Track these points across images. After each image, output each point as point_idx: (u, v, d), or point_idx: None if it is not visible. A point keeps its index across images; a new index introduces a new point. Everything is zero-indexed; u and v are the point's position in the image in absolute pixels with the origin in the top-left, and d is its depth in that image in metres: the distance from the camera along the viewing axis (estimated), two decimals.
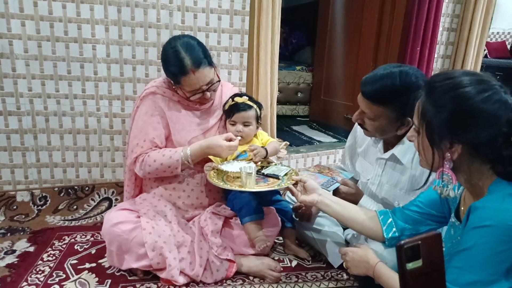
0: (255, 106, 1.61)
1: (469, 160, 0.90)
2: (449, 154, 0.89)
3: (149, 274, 1.43)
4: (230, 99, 1.61)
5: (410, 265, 0.64)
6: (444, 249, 1.03)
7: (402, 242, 0.63)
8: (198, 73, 1.44)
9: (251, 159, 1.55)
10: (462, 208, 1.01)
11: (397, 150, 1.37)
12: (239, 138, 1.51)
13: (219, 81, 1.56)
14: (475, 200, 0.92)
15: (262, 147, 1.59)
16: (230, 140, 1.46)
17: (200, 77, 1.45)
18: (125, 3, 1.86)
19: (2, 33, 1.77)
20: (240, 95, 1.62)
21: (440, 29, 2.58)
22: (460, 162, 0.90)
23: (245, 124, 1.59)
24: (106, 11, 1.85)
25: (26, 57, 1.83)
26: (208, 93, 1.52)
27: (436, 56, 2.64)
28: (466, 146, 0.88)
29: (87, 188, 2.06)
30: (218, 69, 1.59)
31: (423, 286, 0.66)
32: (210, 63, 1.49)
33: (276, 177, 1.45)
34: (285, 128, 3.23)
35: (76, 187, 2.05)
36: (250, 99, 1.63)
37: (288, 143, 2.56)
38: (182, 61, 1.42)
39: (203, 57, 1.46)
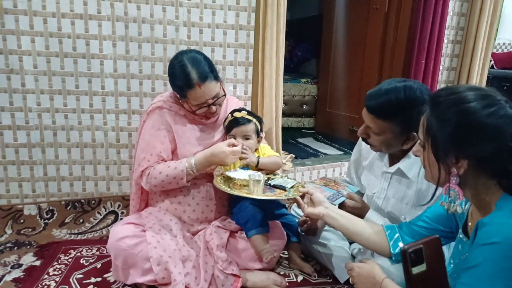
0: (254, 120, 1.62)
1: (475, 175, 0.89)
2: (455, 169, 0.89)
3: None
4: (230, 114, 1.62)
5: (415, 269, 0.64)
6: (452, 265, 1.02)
7: (406, 246, 0.63)
8: (204, 87, 1.46)
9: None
10: (470, 224, 1.00)
11: (403, 164, 1.37)
12: (242, 143, 1.52)
13: (225, 95, 1.58)
14: (482, 215, 0.91)
15: (258, 156, 1.60)
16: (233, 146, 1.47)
17: (205, 91, 1.47)
18: (132, 19, 1.90)
19: (13, 50, 1.81)
20: (239, 110, 1.63)
21: (445, 41, 2.59)
22: (466, 177, 0.90)
23: (246, 138, 1.59)
24: (114, 27, 1.89)
25: (35, 72, 1.86)
26: (213, 107, 1.53)
27: (441, 68, 2.65)
28: (472, 161, 0.87)
29: (93, 202, 2.07)
30: (223, 83, 1.61)
31: None
32: (216, 77, 1.51)
33: (282, 188, 1.46)
34: (291, 141, 3.24)
35: (82, 201, 2.06)
36: (249, 113, 1.64)
37: (294, 155, 2.56)
38: (189, 75, 1.44)
39: (209, 71, 1.47)
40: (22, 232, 1.88)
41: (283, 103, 3.51)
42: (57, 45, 1.85)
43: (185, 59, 1.47)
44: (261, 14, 2.01)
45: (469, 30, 2.61)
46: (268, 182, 1.51)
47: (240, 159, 1.51)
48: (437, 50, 2.51)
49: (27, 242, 1.79)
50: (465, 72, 2.66)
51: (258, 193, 1.36)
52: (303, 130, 3.69)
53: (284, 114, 3.60)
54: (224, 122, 1.66)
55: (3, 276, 1.51)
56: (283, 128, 2.35)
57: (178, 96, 1.55)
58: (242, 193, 1.38)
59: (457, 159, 0.88)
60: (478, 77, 2.68)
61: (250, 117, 1.61)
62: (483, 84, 2.72)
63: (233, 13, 2.02)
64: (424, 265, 0.65)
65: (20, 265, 1.59)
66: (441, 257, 0.67)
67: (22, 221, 1.94)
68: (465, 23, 2.64)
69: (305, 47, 4.40)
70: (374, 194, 1.49)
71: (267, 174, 1.61)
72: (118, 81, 1.96)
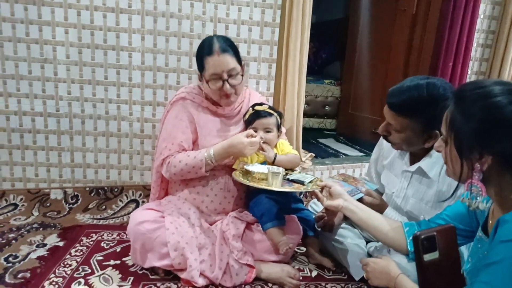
0: (275, 114, 1.64)
1: (499, 172, 0.87)
2: (478, 165, 0.87)
3: (170, 274, 1.46)
4: (251, 108, 1.64)
5: (427, 257, 0.64)
6: (470, 263, 1.00)
7: (418, 233, 0.63)
8: (223, 57, 1.50)
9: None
10: (490, 222, 0.97)
11: (424, 163, 1.35)
12: (261, 135, 1.54)
13: (242, 75, 1.57)
14: (505, 213, 0.89)
15: (275, 153, 1.61)
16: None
17: (223, 60, 1.50)
18: (161, 14, 1.96)
19: (47, 40, 1.90)
20: (260, 104, 1.65)
21: (474, 45, 2.54)
22: (490, 174, 0.88)
23: (267, 130, 1.61)
24: (143, 21, 1.95)
25: (67, 62, 1.94)
26: (227, 86, 1.52)
27: (469, 72, 2.59)
28: (497, 157, 0.85)
29: (116, 190, 2.14)
30: (244, 69, 1.62)
31: (440, 278, 0.65)
32: (237, 57, 1.55)
33: (301, 183, 1.46)
34: (312, 141, 3.23)
35: (106, 188, 2.13)
36: (270, 108, 1.66)
37: (314, 154, 2.55)
38: (212, 44, 1.51)
39: (230, 49, 1.53)
40: (48, 214, 1.96)
41: (306, 104, 3.52)
42: (89, 37, 1.93)
43: (214, 37, 1.56)
44: (287, 11, 2.03)
45: (500, 34, 2.54)
46: (287, 177, 1.52)
47: (259, 150, 1.53)
48: (465, 53, 2.46)
49: (52, 224, 1.86)
50: (494, 76, 2.59)
51: (276, 186, 1.37)
52: (325, 131, 3.67)
53: (306, 115, 3.59)
54: (244, 115, 1.68)
55: (29, 253, 1.58)
56: (304, 129, 2.35)
57: (199, 73, 1.59)
58: (261, 185, 1.39)
59: (481, 155, 0.86)
60: None
61: (271, 111, 1.63)
62: None
63: (259, 10, 2.05)
64: (436, 253, 0.64)
65: (45, 245, 1.66)
66: (455, 247, 0.66)
67: (48, 204, 2.03)
68: (497, 26, 2.57)
69: (330, 49, 4.39)
70: (393, 193, 1.47)
71: (286, 170, 1.62)
72: (145, 73, 2.02)
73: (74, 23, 1.90)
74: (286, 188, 1.40)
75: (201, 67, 1.56)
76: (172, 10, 1.96)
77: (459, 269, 0.67)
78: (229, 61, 1.51)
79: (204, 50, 1.53)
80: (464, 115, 0.88)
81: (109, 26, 1.94)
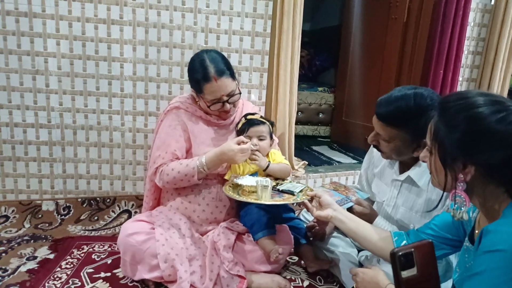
0: (267, 122, 1.66)
1: (483, 182, 0.87)
2: (462, 176, 0.88)
3: (161, 286, 1.45)
4: (243, 118, 1.65)
5: (405, 273, 0.64)
6: (457, 273, 1.00)
7: (396, 249, 0.63)
8: (220, 82, 1.50)
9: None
10: (477, 232, 0.97)
11: (413, 172, 1.35)
12: (253, 142, 1.55)
13: (240, 93, 1.61)
14: (489, 223, 0.89)
15: (268, 161, 1.61)
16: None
17: (221, 85, 1.51)
18: (152, 25, 1.97)
19: (39, 51, 1.90)
20: (252, 113, 1.67)
21: (465, 52, 2.56)
22: (474, 184, 0.88)
23: (260, 138, 1.62)
24: (135, 32, 1.96)
25: (59, 73, 1.95)
26: (228, 105, 1.56)
27: (460, 79, 2.61)
28: (480, 167, 0.86)
29: (108, 200, 2.13)
30: (240, 84, 1.64)
31: None
32: (232, 76, 1.56)
33: (291, 193, 1.46)
34: (305, 148, 3.23)
35: (98, 199, 2.12)
36: (261, 117, 1.67)
37: (306, 162, 2.55)
38: (207, 68, 1.50)
39: (226, 69, 1.53)
40: (39, 226, 1.94)
41: (299, 111, 3.53)
42: (80, 48, 1.94)
43: (205, 56, 1.55)
44: (277, 21, 2.05)
45: (490, 41, 2.57)
46: (277, 188, 1.52)
47: (250, 159, 1.53)
48: (456, 60, 2.48)
49: (43, 236, 1.85)
50: (485, 83, 2.61)
51: (266, 199, 1.37)
52: (319, 139, 3.68)
53: (300, 122, 3.60)
54: (236, 125, 1.69)
55: (18, 266, 1.57)
56: (298, 136, 2.36)
57: (195, 92, 1.60)
58: (251, 199, 1.40)
59: (464, 165, 0.87)
60: (499, 89, 2.63)
61: (263, 119, 1.64)
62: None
63: (249, 20, 2.06)
64: (414, 269, 0.64)
65: (35, 257, 1.65)
66: (434, 263, 0.66)
67: (40, 216, 2.02)
68: (486, 34, 2.60)
69: (324, 56, 4.41)
70: (383, 202, 1.47)
71: (277, 179, 1.62)
72: (136, 83, 2.03)
73: (66, 34, 1.91)
74: (276, 201, 1.39)
75: (198, 89, 1.56)
76: (163, 21, 1.98)
77: (437, 284, 0.67)
78: (227, 84, 1.53)
79: (200, 75, 1.52)
80: (447, 125, 0.89)
81: (100, 37, 1.94)
